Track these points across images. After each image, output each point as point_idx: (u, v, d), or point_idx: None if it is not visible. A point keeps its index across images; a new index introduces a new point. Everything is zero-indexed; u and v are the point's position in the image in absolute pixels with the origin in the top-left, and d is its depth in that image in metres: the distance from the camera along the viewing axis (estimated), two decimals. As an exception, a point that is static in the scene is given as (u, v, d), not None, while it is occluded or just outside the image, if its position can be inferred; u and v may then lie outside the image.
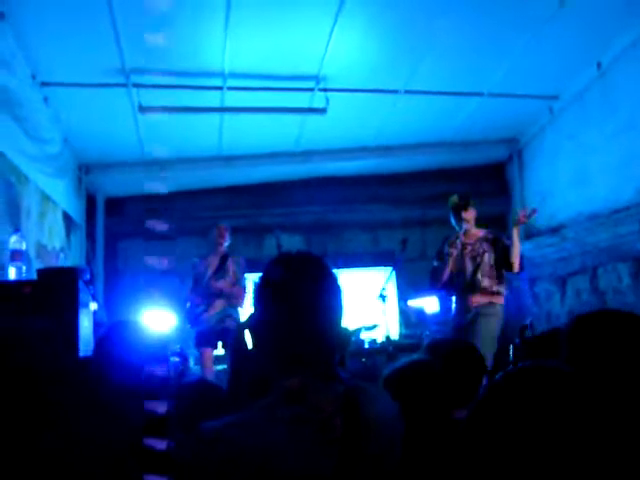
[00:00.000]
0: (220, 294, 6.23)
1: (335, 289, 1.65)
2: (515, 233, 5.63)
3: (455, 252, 5.68)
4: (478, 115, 7.45)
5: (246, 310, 6.46)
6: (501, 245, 5.67)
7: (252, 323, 1.68)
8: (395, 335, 6.94)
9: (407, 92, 6.79)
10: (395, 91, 6.78)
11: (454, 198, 5.83)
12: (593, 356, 1.61)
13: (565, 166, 7.48)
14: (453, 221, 5.81)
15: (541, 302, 7.94)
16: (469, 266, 5.64)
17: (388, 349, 5.77)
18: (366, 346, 6.46)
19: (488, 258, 5.66)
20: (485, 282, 5.62)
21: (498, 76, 6.58)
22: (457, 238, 5.74)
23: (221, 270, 6.37)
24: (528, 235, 8.32)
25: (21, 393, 2.24)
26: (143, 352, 1.99)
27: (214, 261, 6.43)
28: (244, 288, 6.35)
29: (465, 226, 5.72)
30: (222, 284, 6.25)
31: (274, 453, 1.44)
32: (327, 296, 1.61)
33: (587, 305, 6.98)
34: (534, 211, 5.71)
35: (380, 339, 6.21)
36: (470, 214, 5.75)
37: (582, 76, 6.76)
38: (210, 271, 6.37)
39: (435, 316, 7.67)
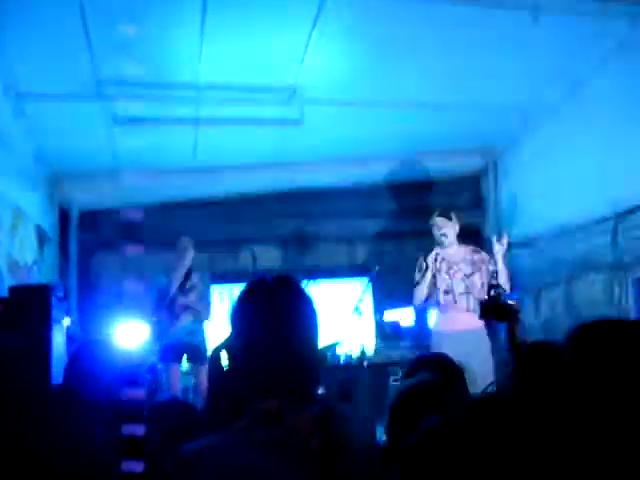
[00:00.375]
0: (186, 308, 6.20)
1: (311, 311, 1.67)
2: (500, 259, 5.62)
3: (442, 270, 5.62)
4: (454, 126, 7.46)
5: (211, 324, 6.42)
6: (487, 269, 5.66)
7: (228, 344, 1.67)
8: (371, 349, 6.93)
9: (383, 103, 6.79)
10: (371, 102, 6.78)
11: (435, 214, 5.86)
12: (598, 366, 1.60)
13: (537, 179, 7.54)
14: (435, 237, 5.81)
15: (516, 314, 7.96)
16: (458, 287, 5.60)
17: (362, 364, 5.74)
18: (341, 361, 6.45)
19: (479, 278, 5.64)
20: (475, 304, 5.54)
21: (473, 87, 6.60)
22: (436, 255, 5.70)
23: (186, 284, 6.33)
24: (503, 247, 8.35)
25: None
26: (115, 371, 1.95)
27: (178, 277, 6.38)
28: (209, 302, 6.33)
29: (444, 241, 5.70)
30: (188, 300, 6.22)
31: (252, 476, 1.44)
32: (303, 318, 1.63)
33: (561, 317, 7.02)
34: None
35: (355, 353, 6.19)
36: (449, 230, 5.75)
37: (556, 89, 6.80)
38: (174, 287, 6.32)
39: (411, 329, 7.67)
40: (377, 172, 8.50)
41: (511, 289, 5.71)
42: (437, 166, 8.50)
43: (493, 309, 4.51)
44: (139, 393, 1.85)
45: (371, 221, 8.89)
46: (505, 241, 5.67)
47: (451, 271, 5.64)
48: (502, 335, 4.89)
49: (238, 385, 1.61)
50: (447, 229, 5.71)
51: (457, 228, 5.80)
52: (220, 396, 1.84)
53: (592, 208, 6.40)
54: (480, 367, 4.97)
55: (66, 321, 3.89)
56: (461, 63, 6.14)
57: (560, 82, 6.66)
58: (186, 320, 6.21)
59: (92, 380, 1.97)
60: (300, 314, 1.62)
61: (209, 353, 5.53)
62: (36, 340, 3.26)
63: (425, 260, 5.73)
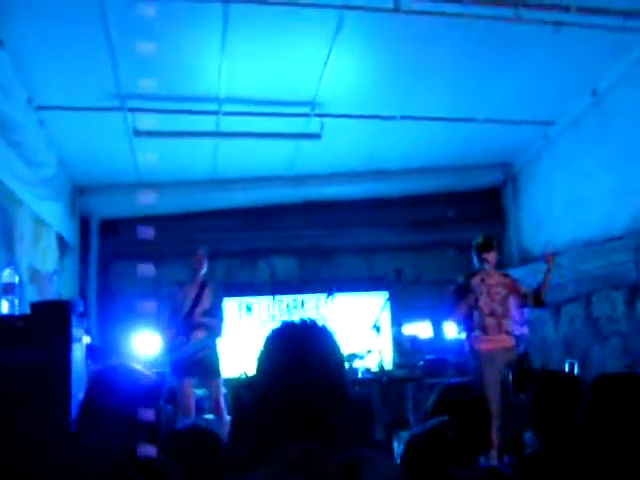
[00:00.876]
0: (199, 325, 6.15)
1: (338, 355, 1.65)
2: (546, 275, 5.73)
3: (484, 293, 5.66)
4: (473, 140, 7.47)
5: (223, 339, 6.39)
6: (520, 291, 5.74)
7: (254, 385, 1.67)
8: (389, 364, 6.91)
9: (403, 118, 6.80)
10: (391, 117, 6.79)
11: (479, 238, 5.83)
12: (614, 424, 1.58)
13: (560, 192, 7.50)
14: (475, 260, 5.80)
15: (535, 328, 7.91)
16: (498, 309, 5.64)
17: (381, 379, 5.71)
18: (359, 375, 6.43)
19: (512, 302, 5.69)
20: (511, 325, 5.67)
21: (493, 102, 6.60)
22: (482, 279, 5.69)
23: (199, 299, 6.26)
24: (522, 260, 8.32)
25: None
26: (133, 399, 1.95)
27: (193, 290, 6.31)
28: (221, 317, 6.27)
29: (486, 267, 5.70)
30: (204, 318, 6.17)
31: None
32: (330, 362, 1.61)
33: (581, 333, 6.97)
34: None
35: (374, 368, 6.16)
36: (492, 256, 5.73)
37: (578, 102, 6.78)
38: (189, 301, 6.25)
39: (429, 342, 7.64)
40: (395, 185, 8.51)
41: (545, 303, 5.79)
42: (456, 179, 8.48)
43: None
44: (151, 415, 1.85)
45: (389, 233, 8.87)
46: (551, 259, 5.74)
47: (492, 295, 5.67)
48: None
49: (263, 426, 1.61)
50: (490, 256, 5.73)
51: (496, 256, 5.83)
52: (244, 430, 1.84)
53: (614, 224, 6.36)
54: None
55: (86, 338, 3.91)
56: (481, 77, 6.15)
57: (581, 95, 6.64)
58: (200, 335, 6.16)
59: (109, 409, 1.97)
60: (327, 358, 1.61)
61: (221, 369, 5.53)
62: (56, 357, 3.29)
63: (466, 282, 5.75)
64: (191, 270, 6.33)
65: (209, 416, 6.34)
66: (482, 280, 5.64)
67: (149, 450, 1.76)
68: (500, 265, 8.00)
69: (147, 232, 8.07)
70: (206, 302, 6.24)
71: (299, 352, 1.60)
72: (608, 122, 6.46)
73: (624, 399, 1.60)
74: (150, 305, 7.84)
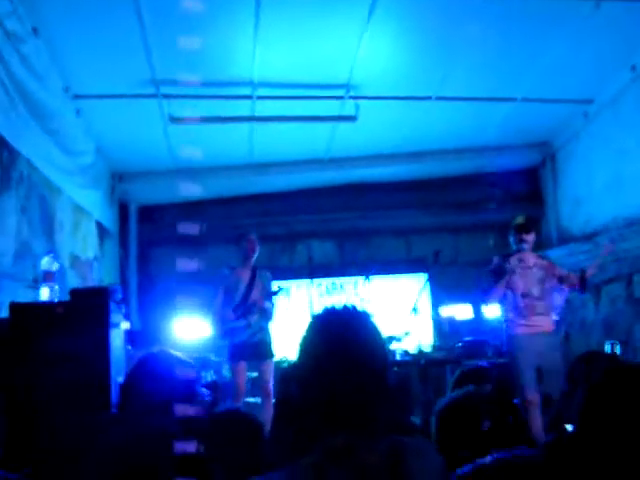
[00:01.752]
0: (253, 310, 6.23)
1: (380, 342, 1.65)
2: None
3: (520, 274, 5.55)
4: (511, 120, 7.36)
5: (275, 323, 6.47)
6: (557, 273, 5.63)
7: (298, 373, 1.68)
8: (427, 346, 6.88)
9: (438, 98, 6.73)
10: (427, 97, 6.73)
11: (519, 219, 5.74)
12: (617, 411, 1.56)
13: (599, 171, 7.36)
14: (512, 240, 5.68)
15: (575, 310, 7.82)
16: (534, 290, 5.55)
17: (420, 361, 5.71)
18: (397, 358, 6.42)
19: (549, 283, 5.61)
20: (548, 308, 5.57)
21: (531, 80, 6.49)
22: (519, 260, 5.59)
23: (253, 283, 6.35)
24: (561, 241, 8.22)
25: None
26: (174, 388, 1.98)
27: (245, 274, 6.39)
28: (273, 301, 6.35)
29: (524, 248, 5.59)
30: (256, 298, 6.25)
31: None
32: (371, 351, 1.61)
33: (622, 313, 6.87)
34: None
35: (412, 350, 6.16)
36: (530, 237, 5.63)
37: (617, 79, 6.63)
38: (243, 285, 6.34)
39: (468, 324, 7.59)
40: (432, 166, 8.44)
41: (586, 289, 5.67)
42: (493, 159, 8.38)
43: None
44: (192, 409, 1.86)
45: (427, 215, 8.82)
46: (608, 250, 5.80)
47: (528, 276, 5.59)
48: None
49: (306, 414, 1.61)
50: (529, 237, 5.60)
51: (534, 237, 5.74)
52: (286, 420, 1.84)
53: (655, 202, 6.23)
54: (553, 366, 5.16)
55: (125, 324, 3.97)
56: (517, 55, 6.05)
57: (621, 72, 6.48)
58: (254, 318, 6.25)
59: (150, 397, 1.99)
60: (369, 345, 1.60)
61: (274, 351, 5.60)
62: (95, 344, 3.35)
63: (503, 262, 5.68)
64: (243, 254, 6.39)
65: (256, 399, 6.40)
66: (519, 261, 5.55)
67: (188, 445, 1.78)
68: (538, 245, 7.91)
69: (190, 228, 8.17)
70: (259, 286, 6.34)
71: (341, 339, 1.59)
72: (650, 98, 6.32)
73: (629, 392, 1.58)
74: (191, 289, 7.95)
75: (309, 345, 1.64)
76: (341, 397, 1.55)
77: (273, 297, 6.33)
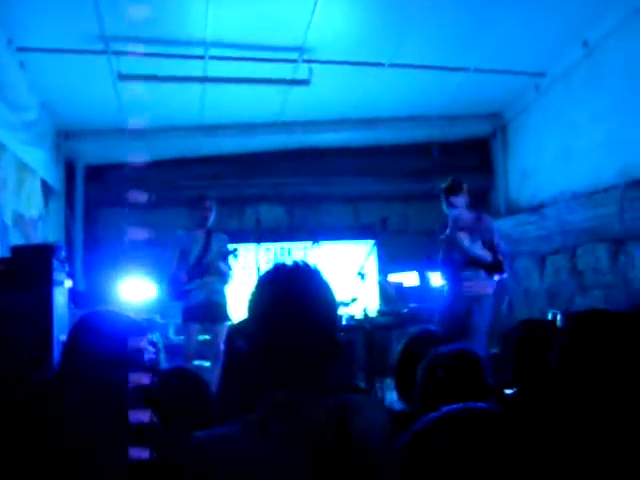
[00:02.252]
0: (208, 271, 6.19)
1: (329, 301, 1.63)
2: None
3: (448, 237, 5.61)
4: (463, 90, 7.40)
5: (235, 286, 6.46)
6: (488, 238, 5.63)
7: (246, 328, 1.66)
8: (374, 311, 6.93)
9: (392, 65, 6.71)
10: (380, 64, 6.70)
11: (446, 182, 5.71)
12: (586, 358, 1.58)
13: (549, 144, 7.46)
14: (443, 205, 5.70)
15: (520, 279, 7.97)
16: (457, 255, 5.58)
17: (366, 326, 5.75)
18: (344, 322, 6.45)
19: (480, 245, 5.62)
20: (478, 269, 5.59)
21: (484, 51, 6.51)
22: (449, 225, 5.65)
23: (208, 245, 6.31)
24: (509, 212, 8.33)
25: None
26: (118, 344, 1.95)
27: (200, 236, 6.35)
28: (229, 264, 6.32)
29: (454, 212, 5.60)
30: (212, 260, 6.21)
31: (266, 468, 1.44)
32: (321, 308, 1.59)
33: (565, 284, 7.02)
34: None
35: (358, 315, 6.19)
36: (460, 200, 5.63)
37: (569, 54, 6.70)
38: (199, 247, 6.30)
39: (414, 290, 7.67)
40: (384, 133, 8.45)
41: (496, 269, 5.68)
42: (445, 129, 8.43)
43: None
44: (141, 342, 1.84)
45: (377, 182, 8.84)
46: None
47: (453, 240, 5.62)
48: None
49: (254, 369, 1.60)
50: (458, 200, 5.60)
51: (466, 198, 5.72)
52: (234, 376, 1.83)
53: (601, 176, 6.33)
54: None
55: (68, 283, 3.90)
56: (472, 25, 6.04)
57: (573, 47, 6.54)
58: (210, 280, 6.21)
59: (93, 356, 1.96)
60: (319, 302, 1.59)
61: (229, 313, 5.58)
62: (37, 301, 3.28)
63: (439, 232, 5.74)
64: (199, 216, 6.34)
65: (206, 363, 6.38)
66: (450, 227, 5.59)
67: (142, 377, 1.76)
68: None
69: (140, 197, 8.04)
70: (215, 247, 6.30)
71: (291, 294, 1.57)
72: (599, 74, 6.39)
73: (599, 335, 1.60)
74: (138, 251, 7.85)
75: (258, 300, 1.62)
76: (289, 353, 1.54)
77: (230, 257, 6.30)
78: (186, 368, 2.36)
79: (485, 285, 5.63)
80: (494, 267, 5.59)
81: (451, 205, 5.60)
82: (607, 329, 1.61)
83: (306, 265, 1.65)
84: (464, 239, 5.57)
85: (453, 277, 5.68)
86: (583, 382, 1.52)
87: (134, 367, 1.73)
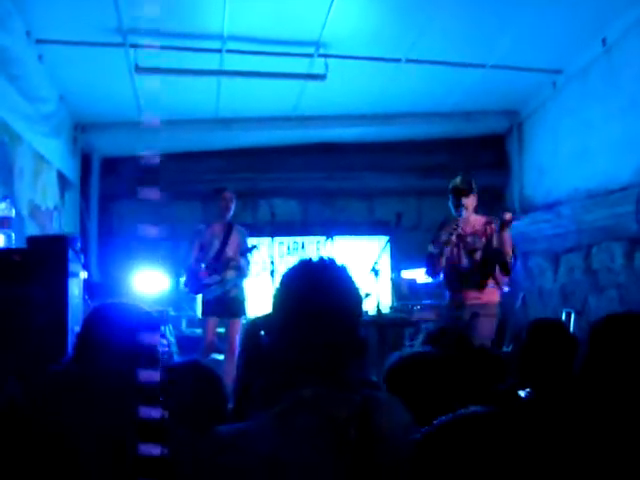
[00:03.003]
0: (228, 266, 6.20)
1: (355, 297, 1.63)
2: (506, 234, 5.15)
3: (452, 242, 5.27)
4: (480, 86, 7.36)
5: (250, 280, 6.48)
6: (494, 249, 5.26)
7: (269, 325, 1.66)
8: (386, 307, 6.93)
9: (409, 61, 6.69)
10: (397, 60, 6.68)
11: (456, 181, 5.35)
12: (619, 359, 1.56)
13: (565, 142, 7.42)
14: (451, 205, 5.39)
15: (534, 277, 7.94)
16: (465, 261, 5.32)
17: (379, 322, 5.75)
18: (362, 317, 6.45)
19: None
20: (481, 277, 5.28)
21: (502, 48, 6.47)
22: (456, 227, 5.25)
23: (228, 239, 6.32)
24: (524, 209, 8.30)
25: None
26: (131, 335, 1.95)
27: (220, 230, 6.36)
28: (248, 258, 6.34)
29: (464, 214, 5.26)
30: (231, 254, 6.22)
31: (287, 463, 1.44)
32: (346, 304, 1.59)
33: (579, 283, 6.99)
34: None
35: (371, 311, 6.19)
36: (471, 201, 5.31)
37: (587, 51, 6.65)
38: (218, 241, 6.31)
39: (427, 287, 7.66)
40: (399, 129, 8.43)
41: (515, 258, 5.34)
42: (461, 125, 8.40)
43: None
44: (153, 339, 1.84)
45: (392, 178, 8.82)
46: (508, 216, 5.11)
47: (462, 244, 5.36)
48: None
49: (276, 365, 1.60)
50: (469, 201, 5.28)
51: (476, 200, 5.38)
52: (255, 372, 1.84)
53: (617, 175, 6.28)
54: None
55: (83, 274, 3.92)
56: (490, 22, 6.00)
57: (591, 44, 6.49)
58: (230, 275, 6.22)
59: (106, 347, 1.97)
60: (345, 298, 1.59)
61: (247, 308, 5.60)
62: (53, 292, 3.30)
63: (439, 231, 5.43)
64: (219, 210, 6.36)
65: (220, 356, 6.41)
66: (455, 228, 5.24)
67: (152, 375, 1.76)
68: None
69: (153, 190, 8.06)
70: (235, 242, 6.32)
71: (316, 291, 1.57)
72: (617, 72, 6.33)
73: (624, 342, 1.57)
74: (153, 243, 7.88)
75: (284, 296, 1.62)
76: (314, 349, 1.54)
77: (248, 254, 6.31)
78: (200, 362, 2.36)
79: (491, 293, 5.37)
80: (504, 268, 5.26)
81: (461, 206, 5.27)
82: (631, 333, 1.58)
83: (332, 261, 1.65)
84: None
85: (456, 283, 5.44)
86: (610, 391, 1.50)
87: (146, 363, 1.73)
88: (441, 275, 5.55)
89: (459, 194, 5.31)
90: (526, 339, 2.66)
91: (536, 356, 2.56)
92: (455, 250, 5.35)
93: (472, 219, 5.40)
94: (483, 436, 1.49)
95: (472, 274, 5.29)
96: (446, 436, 1.53)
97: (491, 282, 5.35)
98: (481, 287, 5.29)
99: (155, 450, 1.57)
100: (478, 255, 5.30)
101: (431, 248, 5.45)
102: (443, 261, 5.37)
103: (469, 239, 5.34)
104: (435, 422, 1.61)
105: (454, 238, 5.27)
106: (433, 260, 5.41)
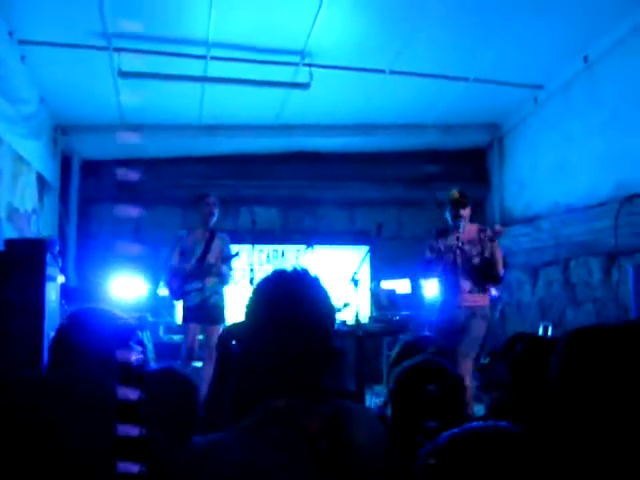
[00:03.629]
0: (209, 272, 6.17)
1: (327, 307, 1.63)
2: (495, 246, 5.52)
3: (451, 249, 5.59)
4: (462, 100, 7.42)
5: (230, 288, 6.45)
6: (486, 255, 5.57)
7: (242, 333, 1.65)
8: (365, 317, 6.93)
9: (392, 72, 6.72)
10: (381, 71, 6.71)
11: (454, 193, 5.64)
12: (590, 372, 1.56)
13: (546, 156, 7.48)
14: (449, 216, 5.66)
15: (512, 290, 7.98)
16: (463, 267, 5.57)
17: (357, 332, 5.74)
18: (335, 328, 6.45)
19: (479, 258, 5.61)
20: (477, 282, 5.59)
21: (485, 62, 6.53)
22: (456, 237, 5.56)
23: (210, 245, 6.28)
24: (504, 223, 8.34)
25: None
26: (107, 339, 1.93)
27: (202, 236, 6.31)
28: (230, 265, 6.31)
29: (462, 224, 5.56)
30: (213, 260, 6.19)
31: (261, 475, 1.43)
32: (318, 314, 1.59)
33: (557, 296, 7.04)
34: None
35: (350, 321, 6.19)
36: (467, 212, 5.61)
37: (569, 68, 6.73)
38: (200, 247, 6.26)
39: (406, 298, 7.68)
40: (382, 140, 8.46)
41: (505, 267, 5.71)
42: (442, 137, 8.44)
43: None
44: (129, 355, 1.82)
45: (373, 188, 8.84)
46: (499, 228, 5.57)
47: (459, 251, 5.60)
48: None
49: (247, 375, 1.60)
50: (466, 212, 5.58)
51: (470, 210, 5.68)
52: (227, 381, 1.82)
53: (597, 190, 6.36)
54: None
55: (61, 278, 3.88)
56: (473, 35, 6.06)
57: (573, 61, 6.57)
58: (210, 281, 6.19)
59: (83, 351, 1.94)
60: (317, 309, 1.58)
61: (226, 316, 5.56)
62: (30, 296, 3.26)
63: (437, 239, 5.69)
64: (202, 216, 6.29)
65: (199, 364, 6.37)
66: (454, 238, 5.57)
67: (129, 393, 1.74)
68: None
69: (129, 174, 8.07)
70: (217, 249, 6.27)
71: (289, 301, 1.57)
72: (598, 89, 6.42)
73: (595, 352, 1.57)
74: (131, 248, 7.84)
75: (256, 305, 1.62)
76: (286, 360, 1.53)
77: (230, 260, 6.28)
78: (175, 370, 2.34)
79: (484, 297, 5.66)
80: (493, 278, 5.64)
81: (460, 217, 5.55)
82: (603, 346, 1.58)
83: (305, 272, 1.64)
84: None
85: (454, 287, 5.66)
86: (583, 403, 1.50)
87: (123, 380, 1.70)
88: (434, 277, 5.84)
89: (458, 205, 5.58)
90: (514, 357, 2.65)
91: (525, 375, 2.55)
92: (454, 257, 5.60)
93: (467, 228, 5.66)
94: (496, 451, 1.47)
95: (469, 278, 5.58)
96: (460, 448, 1.51)
97: (487, 286, 5.70)
98: (476, 291, 5.60)
99: (133, 467, 1.55)
100: (475, 261, 5.58)
101: (428, 254, 5.74)
102: (440, 266, 5.66)
103: (466, 247, 5.60)
104: (446, 434, 1.59)
105: (454, 245, 5.58)
106: (430, 265, 5.72)
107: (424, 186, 8.72)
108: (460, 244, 5.56)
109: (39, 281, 3.33)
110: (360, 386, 5.60)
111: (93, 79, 6.64)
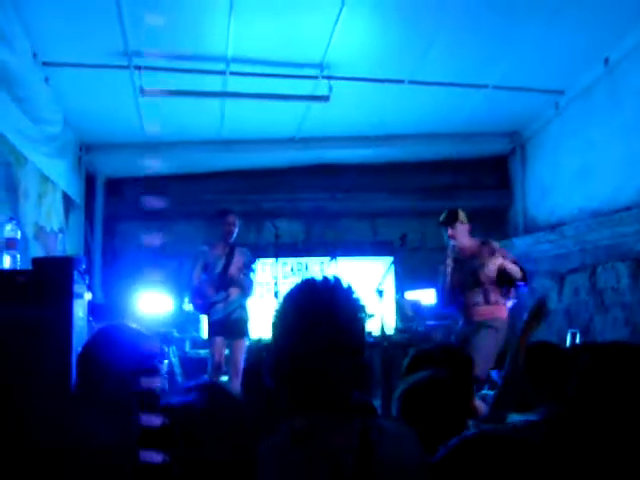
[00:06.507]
0: (232, 284, 6.23)
1: (361, 320, 1.54)
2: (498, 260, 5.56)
3: (449, 269, 5.67)
4: (482, 107, 7.39)
5: (254, 301, 6.51)
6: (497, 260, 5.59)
7: (271, 348, 1.57)
8: (390, 329, 6.91)
9: (411, 82, 6.71)
10: (400, 81, 6.71)
11: (441, 215, 5.82)
12: (604, 392, 1.50)
13: (568, 162, 7.43)
14: (444, 236, 5.80)
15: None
16: (468, 282, 5.58)
17: (383, 344, 5.73)
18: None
19: (487, 270, 5.57)
20: (485, 296, 5.57)
21: (504, 69, 6.50)
22: (448, 256, 5.73)
23: (231, 258, 6.36)
24: (528, 230, 8.29)
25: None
26: (132, 360, 1.94)
27: (224, 251, 6.40)
28: (252, 279, 6.38)
29: (452, 243, 5.69)
30: (235, 274, 6.25)
31: None
32: (352, 327, 1.50)
33: (584, 303, 6.96)
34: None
35: (375, 332, 6.17)
36: (458, 230, 5.69)
37: (589, 72, 6.68)
38: (222, 261, 6.35)
39: (431, 309, 7.64)
40: (403, 150, 8.46)
41: (525, 279, 5.60)
42: (463, 146, 8.42)
43: None
44: (156, 382, 1.82)
45: (394, 199, 8.83)
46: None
47: (461, 268, 5.63)
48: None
49: (274, 392, 1.53)
50: (455, 231, 5.68)
51: (465, 228, 5.74)
52: (254, 397, 1.79)
53: (621, 194, 6.30)
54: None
55: (88, 295, 3.92)
56: (491, 43, 6.04)
57: (593, 65, 6.53)
58: (234, 295, 6.25)
59: (109, 370, 1.96)
60: (349, 322, 1.49)
61: (249, 329, 5.62)
62: (58, 314, 3.29)
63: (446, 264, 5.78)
64: (223, 231, 6.39)
65: (224, 377, 6.39)
66: (449, 257, 5.69)
67: (153, 420, 1.73)
68: (505, 234, 7.99)
69: (153, 191, 8.14)
70: (239, 262, 6.35)
71: (320, 314, 1.47)
72: (619, 92, 6.37)
73: (619, 371, 1.51)
74: (156, 264, 7.89)
75: (283, 318, 1.53)
76: (314, 376, 1.45)
77: (250, 274, 6.35)
78: (219, 384, 2.32)
79: (494, 308, 5.60)
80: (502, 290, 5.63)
81: (450, 237, 5.71)
82: (629, 365, 1.51)
83: (337, 280, 1.54)
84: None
85: (460, 304, 5.72)
86: (601, 418, 1.45)
87: (146, 407, 1.69)
88: (449, 304, 5.87)
89: (444, 226, 5.76)
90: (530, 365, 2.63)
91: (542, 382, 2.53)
92: (457, 275, 5.66)
93: (469, 245, 5.73)
94: (509, 455, 1.43)
95: (476, 294, 5.57)
96: (464, 457, 1.47)
97: (495, 298, 5.62)
98: (483, 303, 5.59)
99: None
100: (480, 275, 5.57)
101: (439, 281, 5.86)
102: (446, 290, 5.75)
103: (469, 262, 5.64)
104: (450, 443, 1.55)
105: (449, 269, 5.68)
106: (442, 293, 5.84)
107: (446, 196, 8.69)
108: (458, 259, 5.65)
109: (67, 299, 3.35)
110: (386, 398, 5.57)
111: (115, 98, 6.73)
